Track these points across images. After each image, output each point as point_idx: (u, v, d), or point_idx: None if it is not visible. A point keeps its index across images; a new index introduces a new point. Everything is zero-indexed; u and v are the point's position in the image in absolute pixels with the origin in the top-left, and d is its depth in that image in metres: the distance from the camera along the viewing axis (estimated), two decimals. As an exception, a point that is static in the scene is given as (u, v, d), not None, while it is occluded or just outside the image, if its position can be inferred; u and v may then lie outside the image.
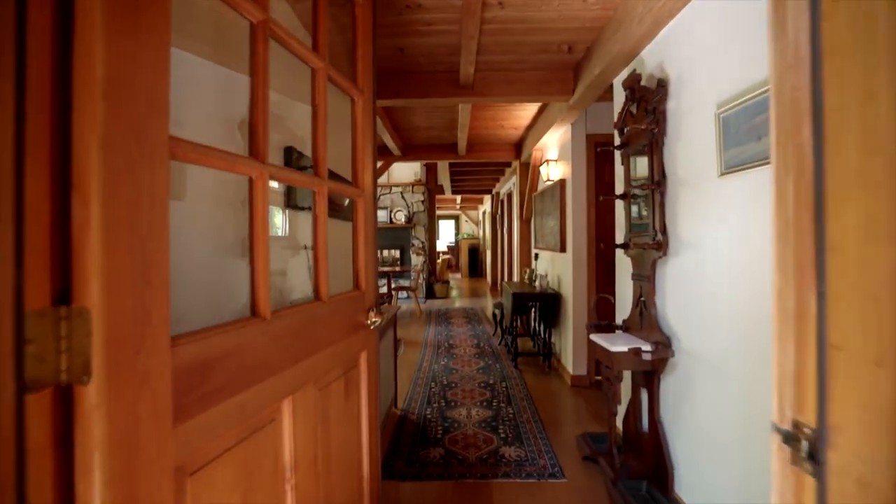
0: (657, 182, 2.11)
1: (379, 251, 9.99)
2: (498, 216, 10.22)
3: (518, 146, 5.91)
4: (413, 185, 9.39)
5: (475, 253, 14.81)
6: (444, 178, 8.61)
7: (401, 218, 9.34)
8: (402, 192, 9.50)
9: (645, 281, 2.22)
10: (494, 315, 5.71)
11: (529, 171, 5.48)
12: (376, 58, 1.65)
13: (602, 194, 3.93)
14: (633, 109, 2.29)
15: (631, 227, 2.45)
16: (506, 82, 3.35)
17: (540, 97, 3.39)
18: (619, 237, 2.62)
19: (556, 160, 4.48)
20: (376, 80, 1.62)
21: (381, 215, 9.41)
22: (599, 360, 2.35)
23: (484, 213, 14.05)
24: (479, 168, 7.79)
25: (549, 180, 4.56)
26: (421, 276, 9.35)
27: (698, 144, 1.87)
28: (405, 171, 9.53)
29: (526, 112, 4.43)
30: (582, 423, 3.14)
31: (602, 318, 2.79)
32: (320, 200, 1.25)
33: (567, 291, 4.06)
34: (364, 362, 1.50)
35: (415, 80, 3.36)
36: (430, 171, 10.48)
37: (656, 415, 2.13)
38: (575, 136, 3.94)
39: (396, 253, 9.61)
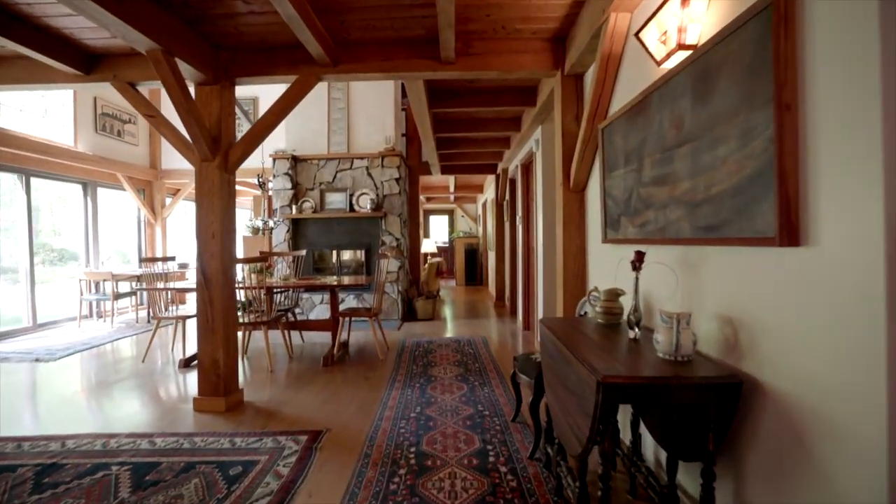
0: None
1: (334, 253, 7.03)
2: (507, 203, 7.31)
3: (557, 43, 3.01)
4: (383, 155, 6.46)
5: (473, 255, 11.90)
6: (427, 147, 5.69)
7: (366, 204, 6.41)
8: (367, 168, 6.57)
9: None
10: (515, 383, 2.79)
11: (593, 84, 2.59)
12: None
13: None
14: None
15: None
16: None
17: None
18: None
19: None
20: None
21: (338, 200, 6.48)
22: None
23: (485, 203, 11.15)
24: (482, 111, 4.87)
25: (670, 56, 1.68)
26: (396, 287, 6.42)
27: None
28: (372, 136, 6.61)
29: None
30: None
31: None
32: None
33: (811, 382, 1.15)
34: None
35: None
36: (411, 143, 7.59)
37: None
38: None
39: (360, 255, 6.66)
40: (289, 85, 3.10)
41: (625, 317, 2.13)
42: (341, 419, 2.96)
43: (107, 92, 6.52)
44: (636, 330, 1.77)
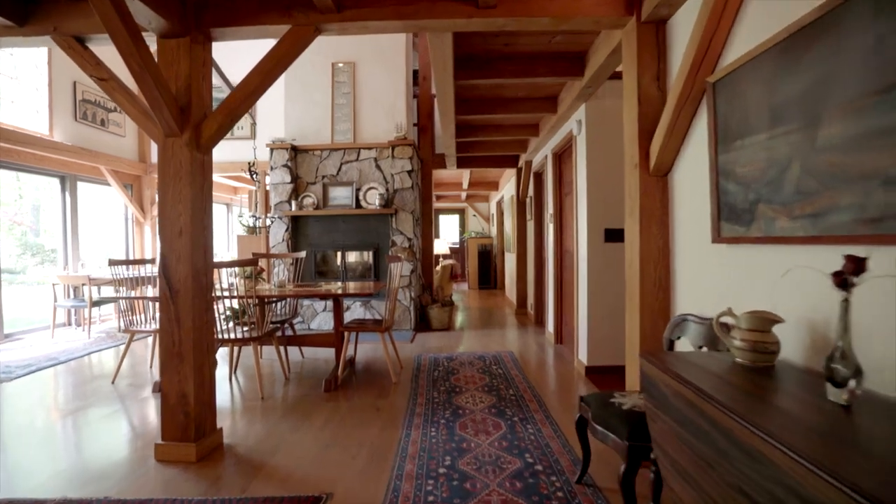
0: None
1: (339, 254, 5.45)
2: (530, 200, 6.57)
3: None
4: (393, 145, 5.75)
5: (487, 256, 11.17)
6: (446, 131, 4.97)
7: (374, 200, 5.70)
8: (375, 159, 5.86)
9: None
10: (582, 430, 2.06)
11: (702, 23, 1.86)
12: None
13: None
14: None
15: None
16: None
17: None
18: None
19: None
20: None
21: (343, 195, 5.78)
22: None
23: (500, 200, 10.41)
24: (513, 84, 4.14)
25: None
26: (408, 294, 5.70)
27: None
28: (381, 124, 5.90)
29: None
30: None
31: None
32: None
33: None
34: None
35: None
36: (424, 134, 6.88)
37: None
38: None
39: (368, 257, 5.94)
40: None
41: (782, 356, 1.41)
42: (347, 475, 2.24)
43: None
44: (853, 390, 1.03)
